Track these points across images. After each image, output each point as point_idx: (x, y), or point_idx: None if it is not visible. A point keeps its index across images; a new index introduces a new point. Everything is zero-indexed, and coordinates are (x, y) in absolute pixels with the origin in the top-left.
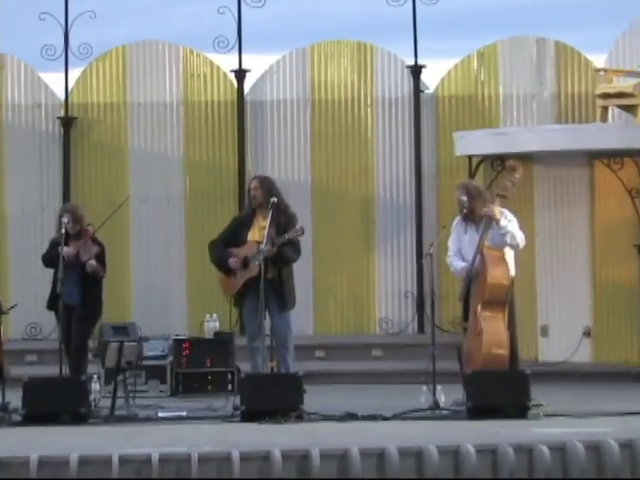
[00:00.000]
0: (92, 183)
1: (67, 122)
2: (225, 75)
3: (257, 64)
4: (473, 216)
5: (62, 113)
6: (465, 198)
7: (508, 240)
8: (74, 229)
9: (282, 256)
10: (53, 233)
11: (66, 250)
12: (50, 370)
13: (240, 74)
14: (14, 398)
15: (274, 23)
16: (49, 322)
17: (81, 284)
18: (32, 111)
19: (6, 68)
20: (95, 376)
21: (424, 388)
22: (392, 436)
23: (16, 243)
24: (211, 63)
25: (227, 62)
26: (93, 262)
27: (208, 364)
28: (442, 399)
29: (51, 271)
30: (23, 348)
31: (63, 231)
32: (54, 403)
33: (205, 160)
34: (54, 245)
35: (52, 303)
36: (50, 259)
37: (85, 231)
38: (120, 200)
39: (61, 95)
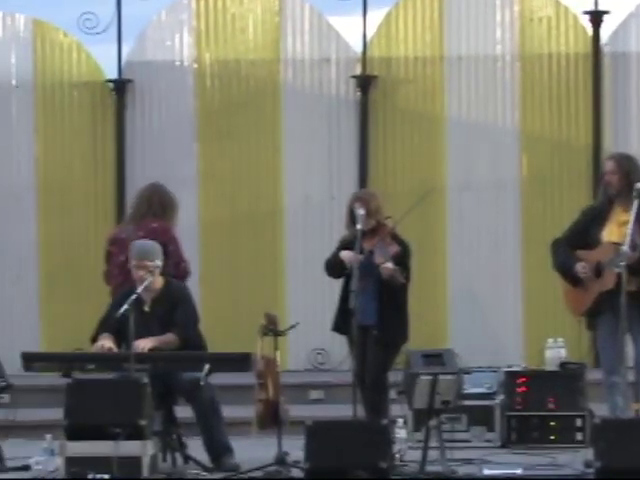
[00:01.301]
0: (396, 162)
1: (365, 82)
2: (575, 19)
3: (617, 4)
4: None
5: (358, 70)
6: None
7: None
8: (368, 224)
9: None
10: (343, 229)
11: (348, 256)
12: (340, 411)
13: (596, 17)
14: (294, 447)
15: None
16: (339, 348)
17: (379, 298)
18: (319, 68)
19: (285, 13)
20: (400, 420)
21: None
22: None
23: (295, 242)
24: (556, 3)
25: (578, 1)
26: (390, 265)
27: (551, 405)
28: None
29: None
30: (306, 382)
31: (359, 227)
32: (345, 454)
33: (547, 133)
34: (344, 246)
35: (341, 323)
36: (335, 265)
37: (382, 227)
38: (432, 185)
39: (357, 47)
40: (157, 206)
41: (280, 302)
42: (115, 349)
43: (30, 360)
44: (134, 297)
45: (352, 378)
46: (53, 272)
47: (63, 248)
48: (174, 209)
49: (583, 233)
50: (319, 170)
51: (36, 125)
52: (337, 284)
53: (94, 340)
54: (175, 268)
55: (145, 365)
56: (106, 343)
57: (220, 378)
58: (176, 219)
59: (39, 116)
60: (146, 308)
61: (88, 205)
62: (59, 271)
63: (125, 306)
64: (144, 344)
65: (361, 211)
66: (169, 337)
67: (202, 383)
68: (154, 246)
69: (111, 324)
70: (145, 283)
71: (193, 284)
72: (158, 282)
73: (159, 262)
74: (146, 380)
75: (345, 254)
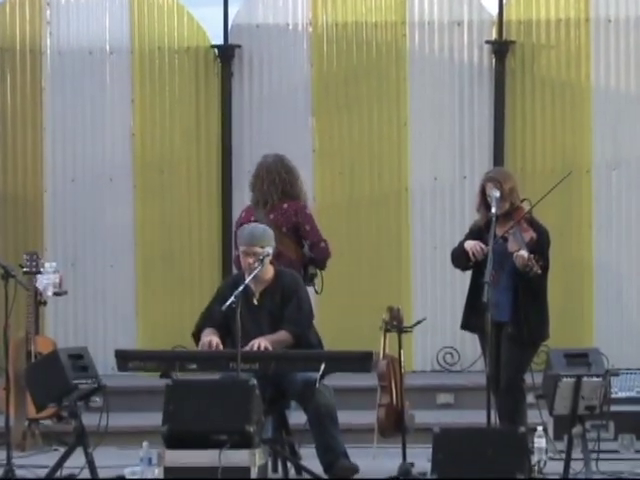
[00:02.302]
0: (536, 138)
1: (501, 48)
2: None
3: None
4: None
5: (494, 35)
6: None
7: None
8: (502, 207)
9: None
10: (475, 214)
11: (471, 246)
12: (472, 417)
13: None
14: (420, 457)
15: None
16: (471, 347)
17: (513, 290)
18: (449, 32)
19: None
20: (539, 428)
21: None
22: None
23: (421, 227)
24: None
25: None
26: (524, 253)
27: None
28: None
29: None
30: (433, 384)
31: (493, 210)
32: (476, 466)
33: None
34: (474, 232)
35: (471, 320)
36: (460, 255)
37: (517, 210)
38: (576, 163)
39: (493, 9)
40: (285, 182)
41: (405, 294)
42: (222, 346)
43: (125, 359)
44: (242, 288)
45: (485, 380)
46: (151, 260)
47: (162, 233)
48: (302, 183)
49: None
50: (449, 146)
51: (133, 95)
52: (469, 274)
53: (197, 336)
54: (314, 249)
55: (254, 365)
56: (213, 339)
57: (337, 380)
58: (305, 194)
59: (136, 85)
60: (255, 301)
61: (190, 185)
62: (158, 259)
63: (232, 298)
64: (264, 344)
65: (495, 193)
66: (282, 335)
67: (317, 385)
68: (265, 230)
69: (216, 318)
70: (254, 272)
71: None
72: (269, 272)
73: (270, 249)
74: (255, 382)
75: (469, 244)
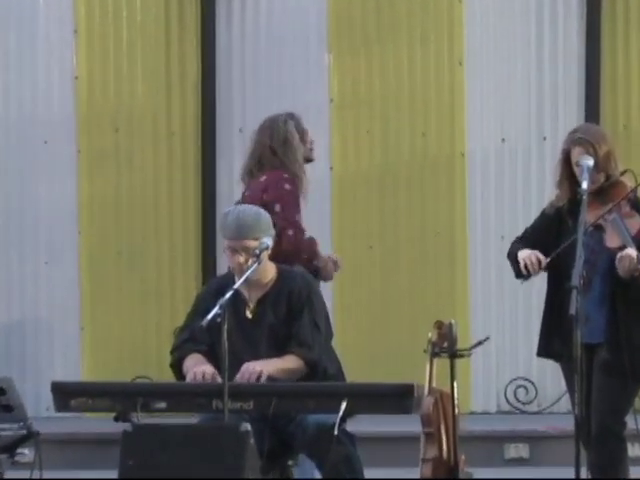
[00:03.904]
0: None
1: None
2: None
3: None
4: None
5: None
6: None
7: None
8: (595, 181)
9: None
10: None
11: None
12: (553, 475)
13: None
14: None
15: None
16: (551, 379)
17: (610, 302)
18: None
19: None
20: None
21: None
22: None
23: (481, 210)
24: None
25: None
26: (632, 252)
27: None
28: None
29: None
30: (500, 432)
31: (584, 186)
32: None
33: None
34: (550, 219)
35: (551, 343)
36: (514, 265)
37: (617, 186)
38: None
39: None
40: (266, 146)
41: (460, 304)
42: (219, 378)
43: (66, 394)
44: (230, 295)
45: (573, 426)
46: (101, 256)
47: (117, 217)
48: (300, 150)
49: None
50: (522, 96)
51: (75, 24)
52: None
53: (178, 366)
54: (280, 238)
55: (247, 403)
56: (207, 369)
57: (364, 424)
58: (300, 166)
59: (80, 9)
60: (249, 313)
61: (157, 150)
62: (111, 254)
63: (215, 309)
64: (259, 368)
65: (587, 161)
66: (290, 362)
67: (336, 432)
68: (259, 216)
69: (201, 338)
70: (247, 273)
71: None
72: (268, 272)
73: (268, 240)
74: (249, 427)
75: (523, 255)
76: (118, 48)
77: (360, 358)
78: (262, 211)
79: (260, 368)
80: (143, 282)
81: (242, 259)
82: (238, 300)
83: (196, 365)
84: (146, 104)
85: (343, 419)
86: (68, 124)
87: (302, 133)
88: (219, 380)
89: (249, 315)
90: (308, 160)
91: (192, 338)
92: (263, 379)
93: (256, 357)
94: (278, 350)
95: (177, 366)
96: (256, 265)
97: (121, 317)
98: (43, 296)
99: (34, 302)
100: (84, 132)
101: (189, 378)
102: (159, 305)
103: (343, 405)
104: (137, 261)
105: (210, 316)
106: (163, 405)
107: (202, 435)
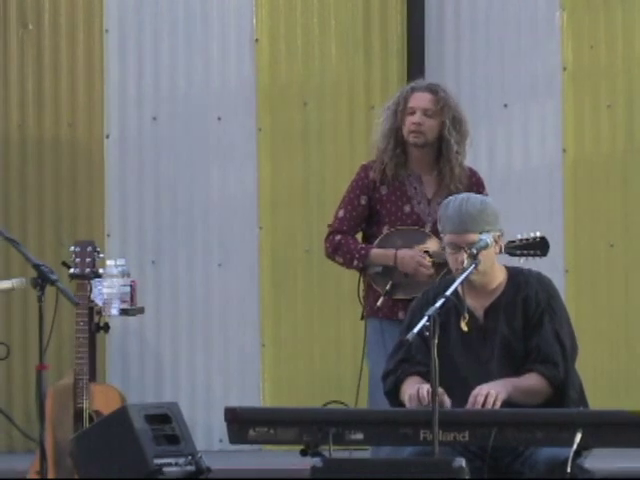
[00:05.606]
0: None
1: None
2: None
3: None
4: None
5: None
6: None
7: None
8: None
9: None
10: None
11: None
12: None
13: None
14: None
15: None
16: None
17: None
18: None
19: None
20: None
21: None
22: None
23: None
24: None
25: None
26: None
27: None
28: None
29: None
30: None
31: None
32: None
33: None
34: None
35: None
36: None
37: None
38: None
39: None
40: None
41: None
42: (448, 403)
43: (242, 423)
44: (440, 304)
45: None
46: (284, 255)
47: (305, 205)
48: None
49: None
50: None
51: None
52: None
53: (395, 392)
54: None
55: (462, 434)
56: (424, 386)
57: (609, 460)
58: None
59: None
60: (474, 324)
61: (354, 128)
62: (297, 252)
63: (423, 320)
64: (494, 392)
65: None
66: (532, 381)
67: (569, 469)
68: (484, 205)
69: (414, 357)
70: (460, 278)
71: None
72: (496, 276)
73: (488, 237)
74: (463, 463)
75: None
76: (307, 3)
77: (600, 379)
78: (489, 200)
79: (495, 392)
80: (337, 287)
81: (462, 258)
82: (456, 311)
83: (414, 387)
84: (341, 72)
85: (578, 453)
86: (246, 97)
87: None
88: (447, 401)
89: (474, 327)
90: None
91: (408, 358)
92: (498, 405)
93: (485, 377)
94: (513, 369)
95: (393, 393)
96: (472, 267)
97: (310, 330)
98: (215, 305)
99: (205, 313)
100: (265, 106)
101: (408, 398)
102: (357, 315)
103: (578, 436)
104: (330, 261)
105: (417, 329)
106: (360, 436)
107: (407, 472)
